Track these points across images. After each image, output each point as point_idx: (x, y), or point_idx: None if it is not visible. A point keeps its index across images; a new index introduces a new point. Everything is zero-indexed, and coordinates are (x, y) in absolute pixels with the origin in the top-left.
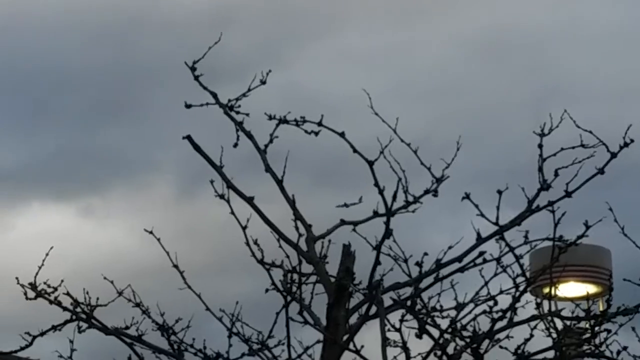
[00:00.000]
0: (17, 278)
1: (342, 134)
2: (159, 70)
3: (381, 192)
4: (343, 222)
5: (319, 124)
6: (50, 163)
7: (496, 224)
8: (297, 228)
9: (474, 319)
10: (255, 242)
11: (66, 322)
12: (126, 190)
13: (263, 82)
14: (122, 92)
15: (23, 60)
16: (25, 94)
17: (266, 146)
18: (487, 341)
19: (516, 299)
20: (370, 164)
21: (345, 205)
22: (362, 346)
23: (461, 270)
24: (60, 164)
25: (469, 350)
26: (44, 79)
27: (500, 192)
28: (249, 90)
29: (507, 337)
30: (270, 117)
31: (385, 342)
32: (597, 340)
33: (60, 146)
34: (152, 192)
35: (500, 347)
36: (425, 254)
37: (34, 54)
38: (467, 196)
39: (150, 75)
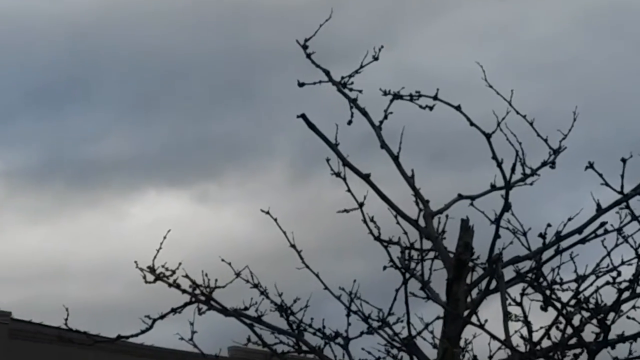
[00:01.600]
0: (135, 262)
1: (458, 107)
2: (272, 54)
3: (499, 164)
4: (460, 197)
5: (435, 97)
6: (165, 150)
7: (621, 192)
8: (417, 203)
9: (597, 290)
10: (372, 220)
11: (185, 304)
12: (241, 175)
13: (375, 58)
14: (235, 78)
15: (137, 50)
16: (139, 84)
17: (381, 122)
18: (612, 313)
19: None
20: (488, 136)
21: (346, 211)
22: (486, 320)
23: (582, 241)
24: (174, 151)
25: (594, 321)
26: (158, 67)
27: (624, 160)
28: (362, 67)
29: (634, 307)
30: (385, 93)
31: (507, 316)
32: None
33: (175, 133)
34: (267, 176)
35: (628, 317)
36: (549, 225)
37: (148, 43)
38: (590, 165)
39: (264, 60)
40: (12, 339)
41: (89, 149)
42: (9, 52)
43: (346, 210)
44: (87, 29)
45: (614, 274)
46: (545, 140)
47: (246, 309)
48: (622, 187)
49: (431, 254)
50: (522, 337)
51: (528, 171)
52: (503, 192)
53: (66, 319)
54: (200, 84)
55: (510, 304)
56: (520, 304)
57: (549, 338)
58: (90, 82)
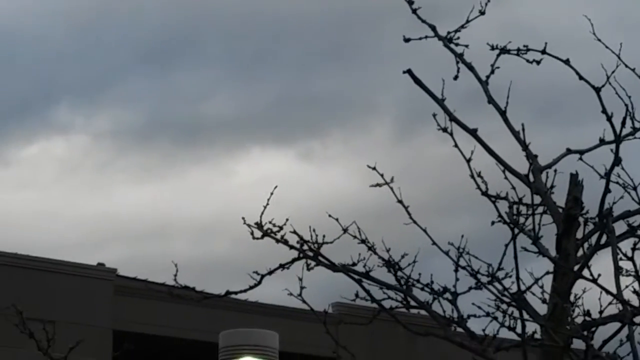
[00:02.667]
0: (243, 218)
1: (566, 61)
2: (378, 11)
3: (609, 118)
4: (569, 151)
5: (543, 51)
6: (270, 109)
7: None
8: (527, 157)
9: None
10: (479, 175)
11: (294, 260)
12: (345, 133)
13: (482, 13)
14: (340, 36)
15: (244, 10)
16: (245, 42)
17: (487, 77)
18: None
19: None
20: (597, 90)
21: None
22: (599, 275)
23: None
24: (279, 109)
25: None
26: (264, 27)
27: None
28: (468, 21)
29: None
30: (492, 48)
31: (618, 270)
32: None
33: (280, 92)
34: (371, 134)
35: None
36: None
37: (256, 2)
38: None
39: (368, 18)
40: (118, 295)
41: (195, 108)
42: (120, 13)
43: (378, 185)
44: None
45: None
46: None
47: (354, 264)
48: None
49: (539, 209)
50: (634, 291)
51: (638, 125)
52: (613, 146)
53: (175, 275)
54: (306, 43)
55: (621, 259)
56: (631, 259)
57: None
58: (198, 42)
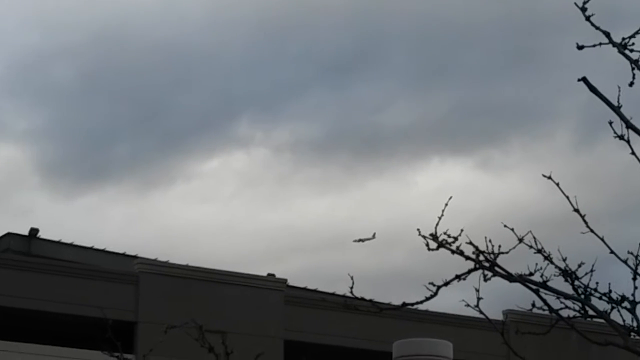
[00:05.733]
0: (418, 229)
1: None
2: (554, 18)
3: None
4: None
5: None
6: (448, 118)
7: None
8: None
9: None
10: None
11: (470, 271)
12: (525, 141)
13: None
14: (517, 44)
15: (421, 20)
16: (424, 53)
17: None
18: None
19: None
20: None
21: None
22: None
23: None
24: (457, 118)
25: None
26: (442, 36)
27: None
28: None
29: None
30: None
31: None
32: None
33: (458, 100)
34: (552, 141)
35: None
36: None
37: (430, 13)
38: None
39: (546, 25)
40: (287, 305)
41: (374, 119)
42: (302, 26)
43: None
44: (371, 3)
45: None
46: None
47: (531, 274)
48: None
49: None
50: None
51: None
52: None
53: (351, 287)
54: (483, 52)
55: None
56: None
57: None
58: (377, 53)
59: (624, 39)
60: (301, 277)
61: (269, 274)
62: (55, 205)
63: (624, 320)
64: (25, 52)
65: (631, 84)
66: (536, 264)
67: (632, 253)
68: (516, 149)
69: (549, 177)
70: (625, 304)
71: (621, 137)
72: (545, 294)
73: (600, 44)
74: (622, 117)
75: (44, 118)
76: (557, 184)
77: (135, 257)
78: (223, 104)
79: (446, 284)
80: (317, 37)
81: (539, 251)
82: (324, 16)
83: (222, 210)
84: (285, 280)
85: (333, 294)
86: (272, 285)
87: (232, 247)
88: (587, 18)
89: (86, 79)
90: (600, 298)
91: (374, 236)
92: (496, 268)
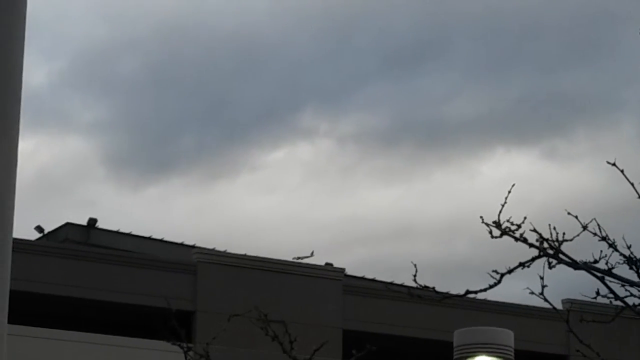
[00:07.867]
0: (481, 217)
1: None
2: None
3: None
4: None
5: None
6: (514, 108)
7: None
8: None
9: None
10: None
11: (534, 258)
12: (590, 130)
13: None
14: (589, 33)
15: (487, 11)
16: (490, 44)
17: None
18: None
19: None
20: None
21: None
22: None
23: None
24: (523, 108)
25: None
26: (509, 27)
27: None
28: None
29: None
30: None
31: None
32: None
33: (525, 91)
34: (617, 131)
35: None
36: None
37: (498, 3)
38: None
39: (614, 15)
40: (346, 294)
41: (439, 109)
42: (368, 18)
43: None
44: None
45: None
46: None
47: (596, 262)
48: None
49: None
50: None
51: None
52: None
53: (415, 276)
54: (550, 42)
55: None
56: None
57: None
58: (442, 45)
59: None
60: (362, 267)
61: (326, 264)
62: (121, 198)
63: None
64: (92, 45)
65: None
66: (601, 251)
67: None
68: (581, 138)
69: (614, 164)
70: None
71: None
72: (610, 281)
73: None
74: None
75: (109, 110)
76: (622, 171)
77: (193, 246)
78: (288, 95)
79: (510, 271)
80: (383, 28)
81: (604, 238)
82: (390, 7)
83: (287, 201)
84: (343, 269)
85: (391, 284)
86: (329, 274)
87: (296, 238)
88: None
89: (152, 71)
90: None
91: (312, 254)
92: (560, 255)
